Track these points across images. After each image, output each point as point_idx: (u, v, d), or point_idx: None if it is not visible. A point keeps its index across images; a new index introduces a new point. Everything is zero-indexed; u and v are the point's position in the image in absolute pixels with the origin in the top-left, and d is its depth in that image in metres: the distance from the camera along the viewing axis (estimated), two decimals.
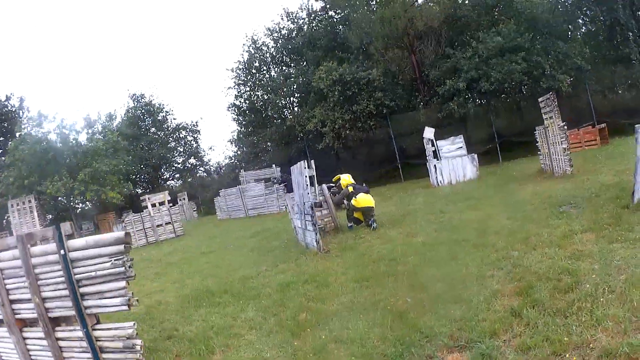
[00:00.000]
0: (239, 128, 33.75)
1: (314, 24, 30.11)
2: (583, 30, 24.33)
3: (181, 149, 41.63)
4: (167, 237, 17.28)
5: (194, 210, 31.08)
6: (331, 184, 10.62)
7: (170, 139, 41.08)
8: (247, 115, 31.91)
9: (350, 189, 9.62)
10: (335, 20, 29.10)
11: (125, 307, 2.89)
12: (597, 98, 21.81)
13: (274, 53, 31.48)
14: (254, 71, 31.37)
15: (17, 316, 3.63)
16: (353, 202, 9.37)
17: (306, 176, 7.90)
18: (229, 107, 32.59)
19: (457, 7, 23.41)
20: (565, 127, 10.96)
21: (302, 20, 30.80)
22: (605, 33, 22.84)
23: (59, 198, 27.10)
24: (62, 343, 3.40)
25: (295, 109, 30.28)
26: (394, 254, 6.42)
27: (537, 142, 13.02)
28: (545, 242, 5.33)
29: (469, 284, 4.49)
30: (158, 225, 17.43)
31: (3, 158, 27.93)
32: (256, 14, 72.04)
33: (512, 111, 24.99)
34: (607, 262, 4.16)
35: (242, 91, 31.83)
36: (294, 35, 30.56)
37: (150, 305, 6.18)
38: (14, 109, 34.09)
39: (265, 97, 30.07)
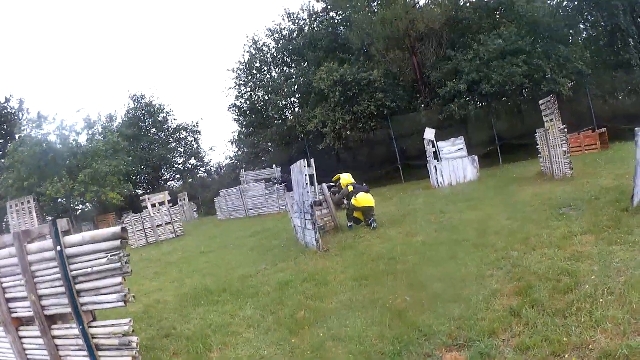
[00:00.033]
0: (239, 128, 33.86)
1: (314, 25, 30.15)
2: (584, 35, 24.39)
3: (181, 150, 41.67)
4: (167, 237, 17.26)
5: (194, 211, 31.08)
6: (331, 184, 10.61)
7: (171, 139, 41.12)
8: (248, 116, 31.95)
9: (350, 188, 9.62)
10: (336, 21, 29.13)
11: (122, 303, 2.87)
12: (598, 103, 21.83)
13: (274, 53, 31.53)
14: (254, 71, 31.42)
15: (13, 315, 3.60)
16: (353, 201, 9.37)
17: (306, 175, 7.88)
18: (230, 108, 32.70)
19: (458, 10, 23.46)
20: (566, 130, 10.95)
21: (303, 21, 30.87)
22: (606, 38, 22.87)
23: (59, 199, 27.07)
24: (58, 341, 3.37)
25: (296, 109, 30.31)
26: (394, 253, 6.42)
27: (538, 144, 13.02)
28: (545, 242, 5.33)
29: (468, 283, 4.48)
30: (158, 226, 17.40)
31: (2, 160, 27.92)
32: (257, 15, 72.32)
33: (512, 114, 25.04)
34: (606, 264, 4.15)
35: (242, 91, 31.89)
36: (294, 35, 30.61)
37: (149, 304, 6.17)
38: (13, 111, 34.08)
39: (266, 97, 30.09)
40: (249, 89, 31.66)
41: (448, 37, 23.33)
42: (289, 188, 14.96)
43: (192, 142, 41.99)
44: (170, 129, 41.14)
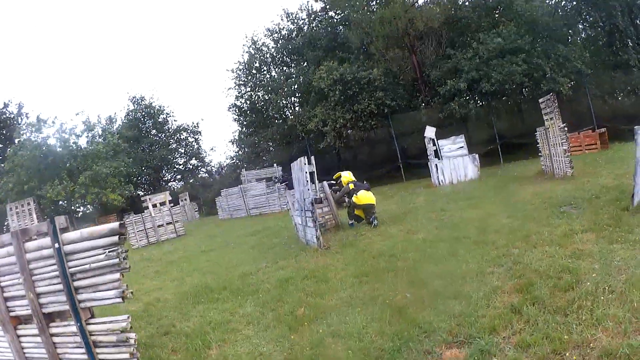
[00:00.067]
0: (240, 128, 33.81)
1: (314, 25, 30.12)
2: (583, 35, 24.38)
3: (182, 151, 41.68)
4: (168, 237, 17.27)
5: (196, 211, 31.09)
6: (332, 182, 10.61)
7: (171, 140, 41.11)
8: (248, 116, 31.93)
9: (351, 186, 9.62)
10: (335, 20, 29.09)
11: (120, 300, 2.86)
12: (597, 103, 21.76)
13: (274, 53, 31.50)
14: (254, 71, 31.40)
15: (12, 314, 3.59)
16: (354, 199, 9.36)
17: (306, 172, 7.87)
18: (230, 108, 32.67)
19: (457, 9, 23.48)
20: (566, 129, 10.92)
21: (302, 21, 30.82)
22: (605, 39, 22.88)
23: (60, 202, 27.05)
24: (56, 339, 3.35)
25: (296, 108, 30.32)
26: (394, 250, 6.42)
27: (538, 143, 13.00)
28: (546, 240, 5.32)
29: (469, 280, 4.47)
30: (159, 226, 17.41)
31: (2, 165, 27.92)
32: (256, 15, 72.26)
33: (513, 113, 25.01)
34: (607, 262, 4.14)
35: (242, 92, 31.87)
36: (294, 35, 30.58)
37: (149, 303, 6.17)
38: (12, 116, 34.04)
39: (266, 97, 30.07)
40: (249, 89, 31.65)
41: (447, 36, 23.32)
42: (290, 187, 14.96)
43: (193, 143, 42.03)
44: (170, 130, 41.15)
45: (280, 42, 30.98)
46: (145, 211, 17.88)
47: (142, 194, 34.29)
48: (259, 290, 5.70)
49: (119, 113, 42.27)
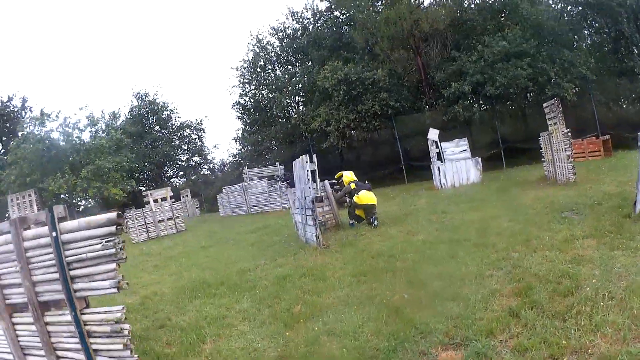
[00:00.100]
0: (243, 126, 33.85)
1: (319, 24, 30.13)
2: (588, 41, 24.25)
3: (185, 147, 41.68)
4: (169, 233, 17.30)
5: (197, 207, 31.12)
6: (333, 181, 10.59)
7: (175, 137, 41.13)
8: (252, 114, 31.95)
9: (353, 186, 9.61)
10: (340, 20, 29.08)
11: (115, 290, 2.84)
12: (602, 109, 21.60)
13: (279, 52, 31.48)
14: (258, 70, 31.39)
15: (7, 301, 3.59)
16: (355, 199, 9.34)
17: (308, 170, 7.86)
18: (234, 106, 32.66)
19: (462, 11, 23.36)
20: (569, 134, 10.87)
21: (307, 20, 30.83)
22: (610, 45, 22.74)
23: (61, 195, 27.12)
24: (50, 328, 3.35)
25: (300, 107, 30.30)
26: (394, 251, 6.41)
27: (541, 148, 12.94)
28: (546, 245, 5.30)
29: (468, 282, 4.45)
30: (159, 221, 17.44)
31: (5, 157, 28.00)
32: (261, 14, 72.24)
33: (517, 118, 24.93)
34: (607, 269, 4.11)
35: (246, 90, 31.86)
36: (299, 34, 30.58)
37: (146, 296, 6.18)
38: (16, 110, 34.08)
39: (270, 95, 30.05)
40: (253, 88, 31.64)
41: (453, 38, 23.24)
42: (292, 185, 14.94)
43: (196, 140, 41.99)
44: (174, 126, 41.15)
45: (285, 41, 30.99)
46: (146, 206, 17.91)
47: (144, 189, 34.32)
48: (256, 286, 5.69)
49: (123, 109, 42.24)
